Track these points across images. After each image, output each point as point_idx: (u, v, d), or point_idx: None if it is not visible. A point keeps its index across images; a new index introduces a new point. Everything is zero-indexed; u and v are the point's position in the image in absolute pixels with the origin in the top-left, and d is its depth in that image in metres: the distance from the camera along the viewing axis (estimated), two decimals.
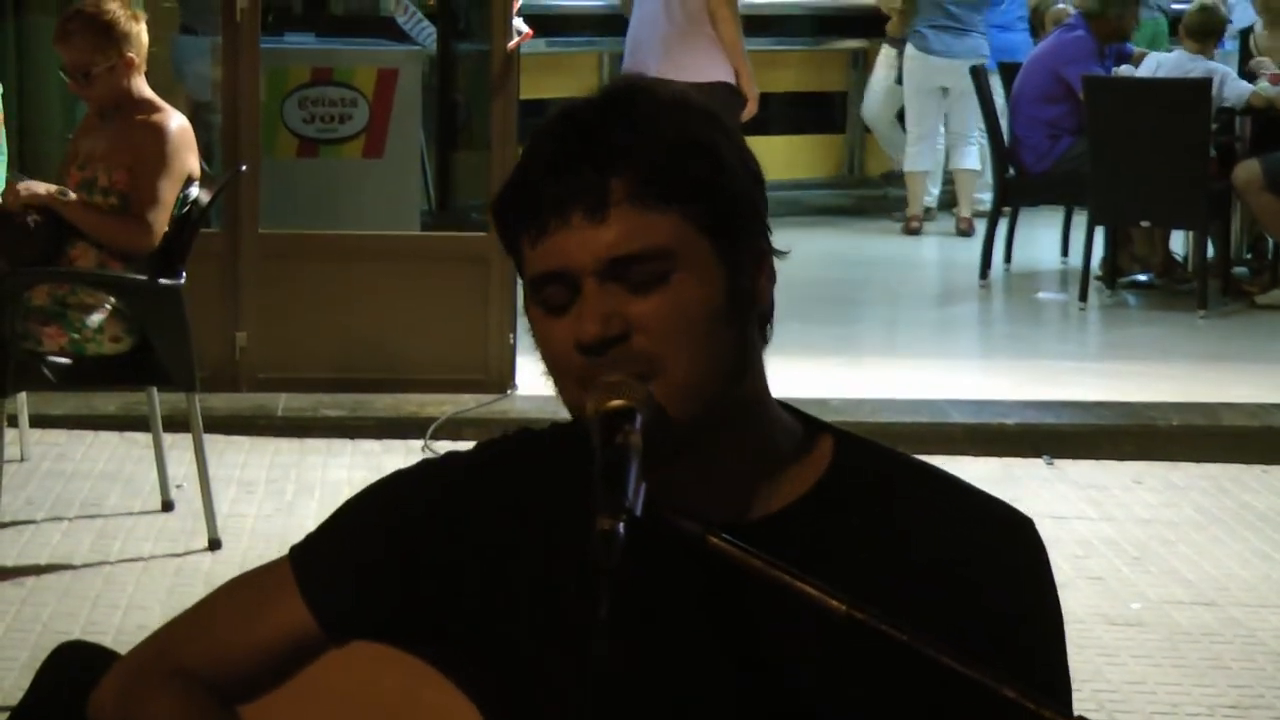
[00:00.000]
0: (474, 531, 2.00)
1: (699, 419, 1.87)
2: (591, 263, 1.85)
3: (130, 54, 5.82)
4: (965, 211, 11.96)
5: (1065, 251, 11.15)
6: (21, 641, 5.11)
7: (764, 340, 1.94)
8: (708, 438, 1.89)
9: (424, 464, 2.09)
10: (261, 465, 6.76)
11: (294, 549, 2.07)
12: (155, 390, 6.08)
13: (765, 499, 1.94)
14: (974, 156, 11.78)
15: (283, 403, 7.24)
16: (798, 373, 7.27)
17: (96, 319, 5.76)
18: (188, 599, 5.36)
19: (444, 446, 6.98)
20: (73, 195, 5.78)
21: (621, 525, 1.71)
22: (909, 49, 11.84)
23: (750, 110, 8.45)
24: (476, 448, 2.08)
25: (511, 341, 7.48)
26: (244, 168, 6.80)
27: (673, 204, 1.85)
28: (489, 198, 7.51)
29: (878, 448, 2.01)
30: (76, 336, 5.74)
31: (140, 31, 5.86)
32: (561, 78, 11.28)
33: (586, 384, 1.85)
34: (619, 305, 1.85)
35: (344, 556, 2.04)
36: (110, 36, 5.79)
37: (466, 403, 7.26)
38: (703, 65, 8.33)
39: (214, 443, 6.15)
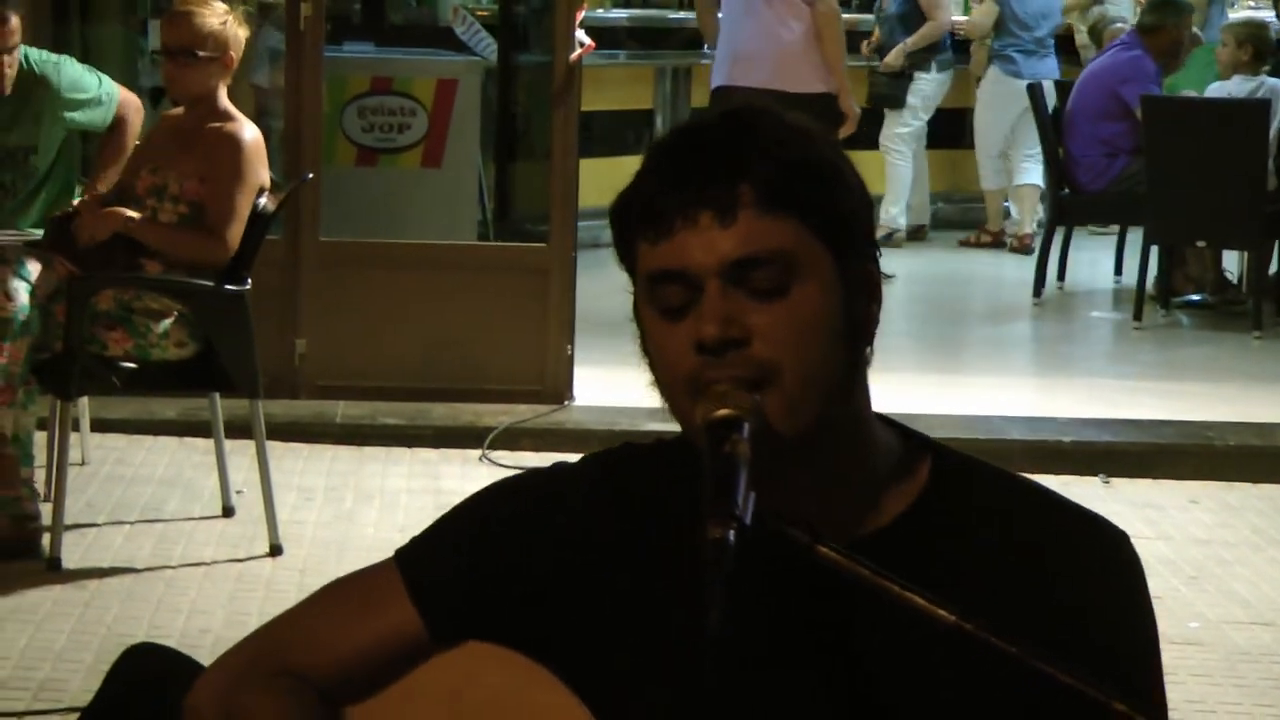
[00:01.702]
0: (581, 540, 2.02)
1: (806, 433, 1.89)
2: (716, 264, 1.87)
3: (231, 53, 5.88)
4: (1027, 228, 12.01)
5: (1119, 270, 11.16)
6: (86, 645, 5.14)
7: (866, 361, 1.96)
8: (813, 453, 1.91)
9: (532, 473, 2.13)
10: (320, 472, 6.79)
11: (400, 552, 2.09)
12: (217, 396, 6.11)
13: (866, 516, 1.96)
14: (1038, 173, 11.82)
15: (341, 410, 7.27)
16: None
17: (162, 325, 5.79)
18: (249, 604, 5.46)
19: (502, 457, 7.02)
20: (135, 215, 5.81)
21: (732, 533, 1.72)
22: (993, 72, 11.96)
23: (849, 128, 8.51)
24: (584, 460, 2.11)
25: (569, 353, 7.52)
26: (310, 176, 6.83)
27: (796, 213, 1.88)
28: (548, 209, 7.67)
29: (974, 462, 2.03)
30: (142, 341, 5.77)
31: (242, 40, 5.94)
32: (614, 90, 11.31)
33: (697, 390, 1.87)
34: (739, 312, 1.86)
35: (452, 561, 2.05)
36: (223, 30, 5.87)
37: (524, 413, 7.28)
38: (809, 79, 8.42)
39: (272, 449, 6.16)
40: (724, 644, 1.73)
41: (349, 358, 7.43)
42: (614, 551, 2.01)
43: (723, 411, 1.84)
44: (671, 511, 1.98)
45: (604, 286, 8.09)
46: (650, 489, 2.04)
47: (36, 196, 6.34)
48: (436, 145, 8.52)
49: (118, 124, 6.39)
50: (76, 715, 2.26)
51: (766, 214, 1.87)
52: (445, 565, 2.05)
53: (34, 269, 5.78)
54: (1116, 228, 11.33)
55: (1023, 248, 11.86)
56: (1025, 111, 11.25)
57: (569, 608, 2.02)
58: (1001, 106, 11.94)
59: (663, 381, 1.94)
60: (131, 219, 5.79)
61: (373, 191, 8.40)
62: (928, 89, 12.02)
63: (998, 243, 12.32)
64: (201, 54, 5.85)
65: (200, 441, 6.73)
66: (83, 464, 6.61)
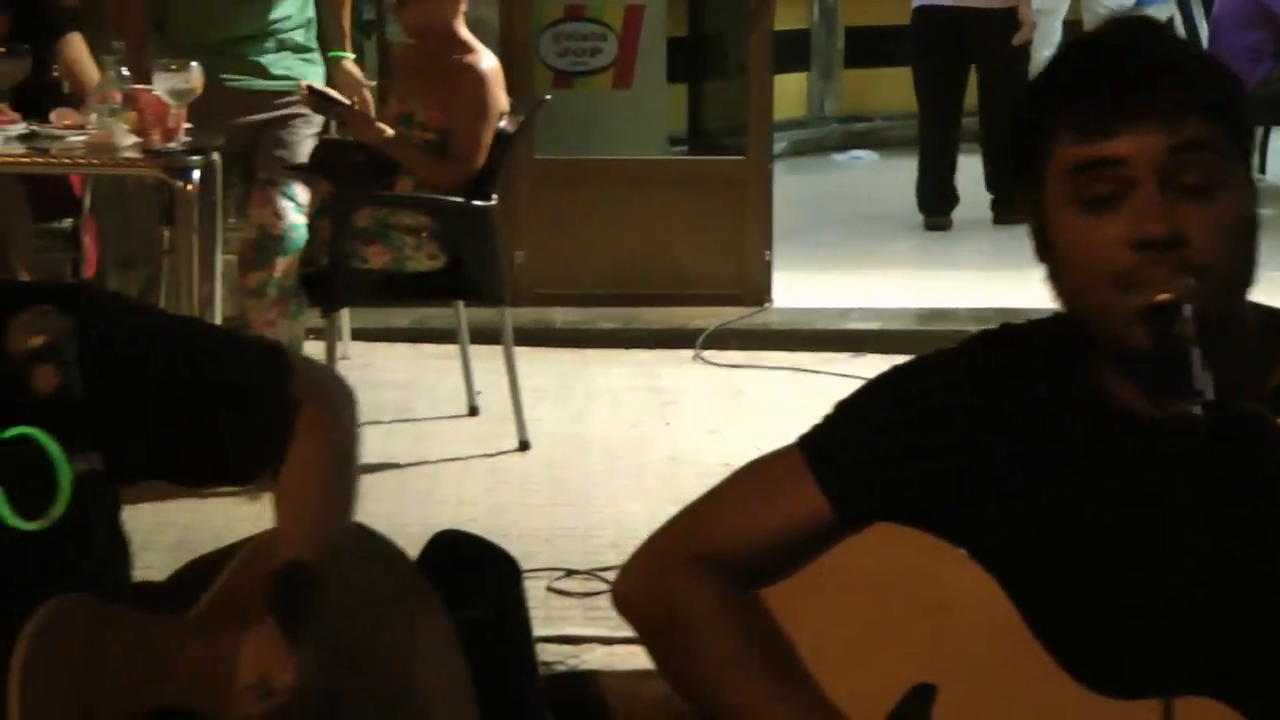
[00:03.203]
0: (976, 417, 2.12)
1: (1225, 325, 2.00)
2: (1156, 160, 1.97)
3: None
4: None
5: (1263, 170, 11.45)
6: None
7: None
8: (1225, 340, 2.01)
9: (923, 359, 2.23)
10: (546, 374, 7.28)
11: (803, 439, 2.20)
12: (461, 304, 6.62)
13: (1253, 386, 2.05)
14: None
15: (560, 316, 7.78)
16: None
17: (415, 238, 6.30)
18: (507, 495, 5.97)
19: (713, 355, 7.51)
20: (390, 132, 6.30)
21: (1198, 409, 1.83)
22: None
23: (1024, 35, 9.10)
24: (966, 342, 2.22)
25: (767, 258, 8.01)
26: (548, 97, 7.32)
27: (1221, 120, 2.01)
28: (737, 123, 8.13)
29: None
30: (398, 254, 6.27)
31: None
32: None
33: (1127, 282, 1.97)
34: (1173, 211, 1.96)
35: (855, 444, 2.15)
36: None
37: (730, 315, 7.77)
38: None
39: (498, 353, 6.64)
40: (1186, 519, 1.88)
41: (563, 267, 7.94)
42: (1009, 426, 2.10)
43: (1164, 295, 1.93)
44: (1061, 385, 2.10)
45: (789, 195, 8.60)
46: (1037, 363, 2.12)
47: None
48: (626, 68, 8.99)
49: None
50: None
51: (1201, 119, 1.97)
52: (848, 449, 2.15)
53: (299, 190, 6.32)
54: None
55: None
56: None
57: (970, 483, 2.10)
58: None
59: (1080, 273, 2.02)
60: (388, 136, 6.29)
61: (569, 112, 8.88)
62: None
63: None
64: None
65: (431, 347, 7.26)
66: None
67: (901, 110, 11.65)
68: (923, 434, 2.12)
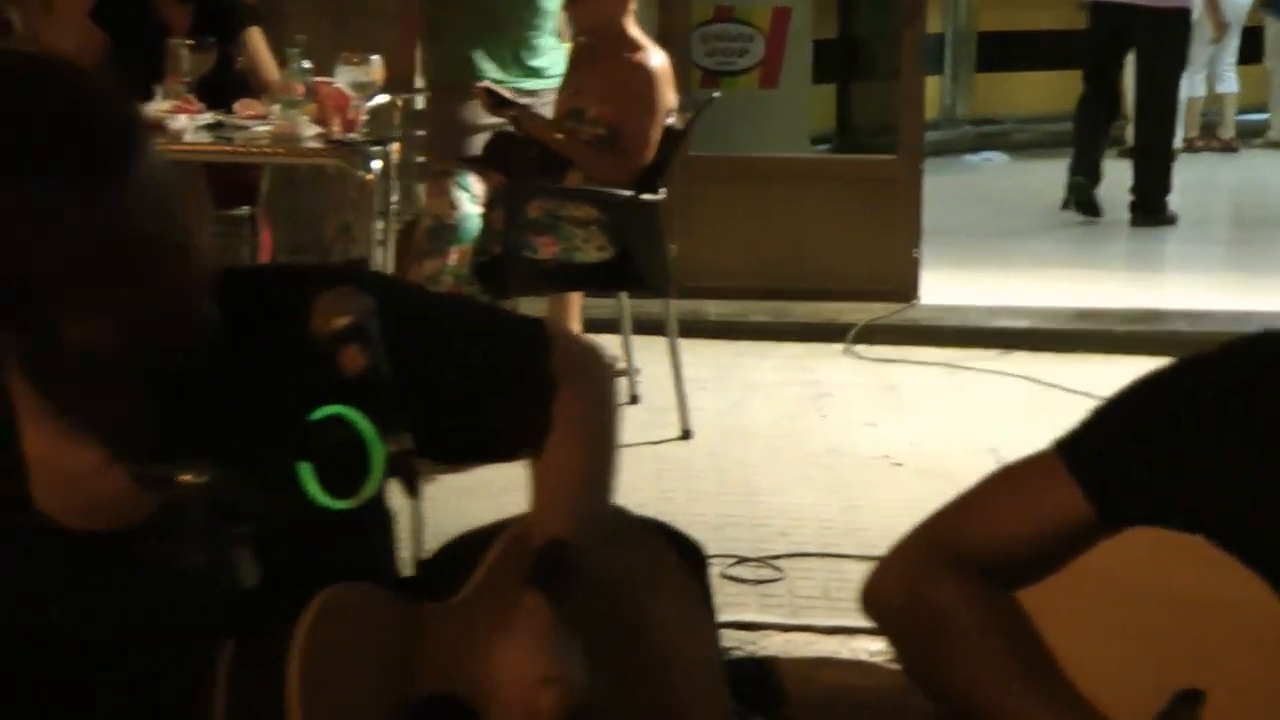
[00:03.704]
0: (1239, 421, 2.09)
1: None
2: None
3: None
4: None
5: None
6: None
7: None
8: None
9: (1186, 364, 2.18)
10: (703, 364, 7.42)
11: (1061, 443, 2.18)
12: (625, 295, 6.79)
13: None
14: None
15: (713, 308, 7.95)
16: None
17: (584, 230, 6.47)
18: (672, 483, 6.11)
19: (863, 350, 7.66)
20: (560, 135, 6.48)
21: None
22: None
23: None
24: (1228, 348, 2.16)
25: (916, 255, 8.15)
26: (716, 95, 7.49)
27: None
28: (888, 124, 8.28)
29: None
30: (567, 245, 6.44)
31: None
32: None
33: None
34: None
35: (1122, 450, 2.13)
36: None
37: (878, 310, 7.91)
38: None
39: (653, 343, 6.73)
40: None
41: (714, 260, 8.11)
42: (1273, 431, 2.08)
43: None
44: None
45: (925, 195, 8.72)
46: None
47: None
48: (772, 68, 9.16)
49: None
50: None
51: None
52: (1113, 453, 2.13)
53: (473, 181, 6.51)
54: None
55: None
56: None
57: (1242, 490, 2.07)
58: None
59: None
60: (557, 136, 6.47)
61: (715, 111, 9.04)
62: None
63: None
64: None
65: (590, 336, 7.40)
66: None
67: (1032, 113, 11.78)
68: (1192, 440, 2.10)
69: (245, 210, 7.30)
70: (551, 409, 2.35)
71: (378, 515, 2.28)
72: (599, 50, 6.58)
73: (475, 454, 2.44)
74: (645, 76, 6.44)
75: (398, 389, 2.06)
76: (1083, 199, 10.31)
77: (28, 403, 2.07)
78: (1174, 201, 10.66)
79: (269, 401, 2.12)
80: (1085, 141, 10.30)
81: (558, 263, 6.44)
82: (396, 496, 2.16)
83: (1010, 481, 2.20)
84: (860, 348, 7.66)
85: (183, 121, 6.42)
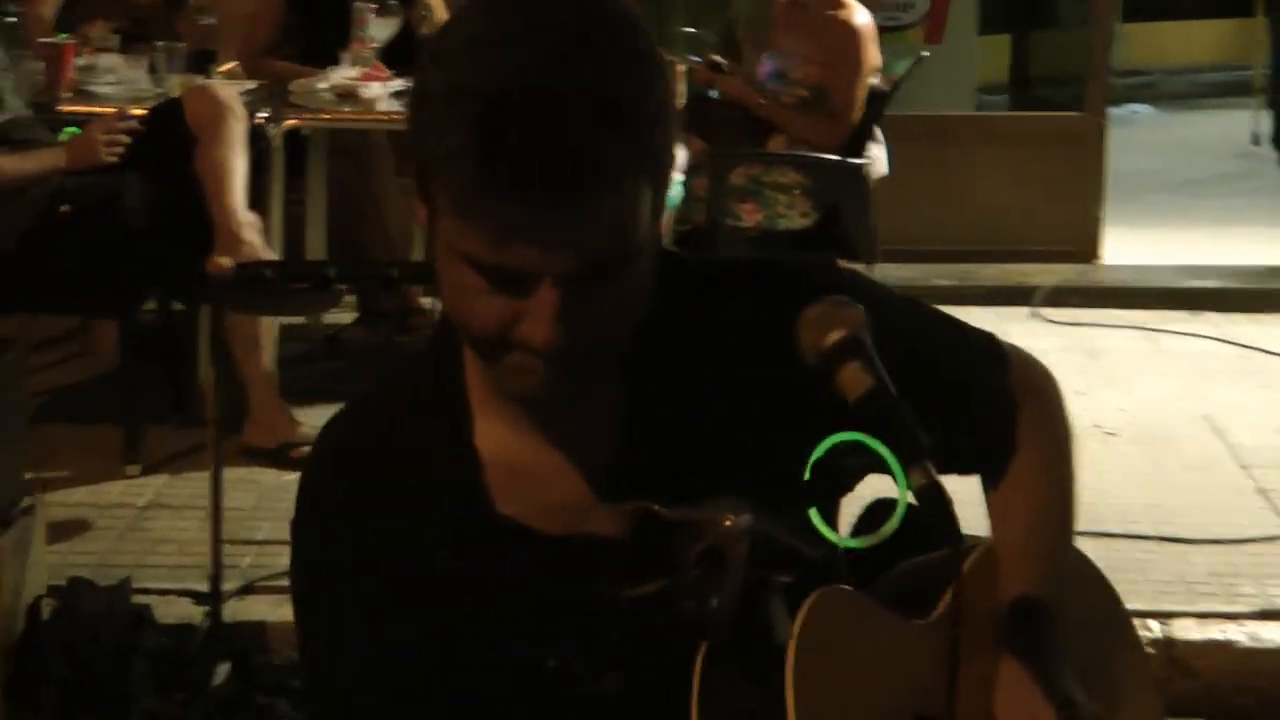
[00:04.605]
0: None
1: None
2: None
3: None
4: None
5: None
6: None
7: None
8: None
9: None
10: None
11: None
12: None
13: None
14: None
15: (894, 272, 7.76)
16: None
17: (788, 196, 6.32)
18: None
19: (1049, 313, 7.48)
20: (764, 101, 6.32)
21: None
22: None
23: None
24: None
25: (1098, 215, 7.96)
26: (925, 54, 7.31)
27: None
28: (1065, 75, 8.09)
29: None
30: (770, 212, 6.31)
31: None
32: None
33: None
34: None
35: None
36: None
37: (1065, 273, 7.74)
38: None
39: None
40: None
41: (894, 223, 7.91)
42: None
43: None
44: None
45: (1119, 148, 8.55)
46: None
47: None
48: (938, 22, 8.94)
49: None
50: None
51: None
52: None
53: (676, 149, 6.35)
54: None
55: None
56: None
57: None
58: None
59: None
60: (760, 101, 6.31)
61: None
62: None
63: None
64: None
65: None
66: None
67: (1179, 63, 11.55)
68: None
69: None
70: (1014, 429, 2.18)
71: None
72: (803, 10, 6.42)
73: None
74: (851, 34, 6.29)
75: (903, 410, 1.85)
76: None
77: (480, 393, 1.92)
78: None
79: (757, 424, 1.96)
80: None
81: (761, 230, 6.30)
82: None
83: None
84: (1046, 311, 7.48)
85: (376, 89, 6.25)
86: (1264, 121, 10.68)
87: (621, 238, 1.77)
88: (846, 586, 1.98)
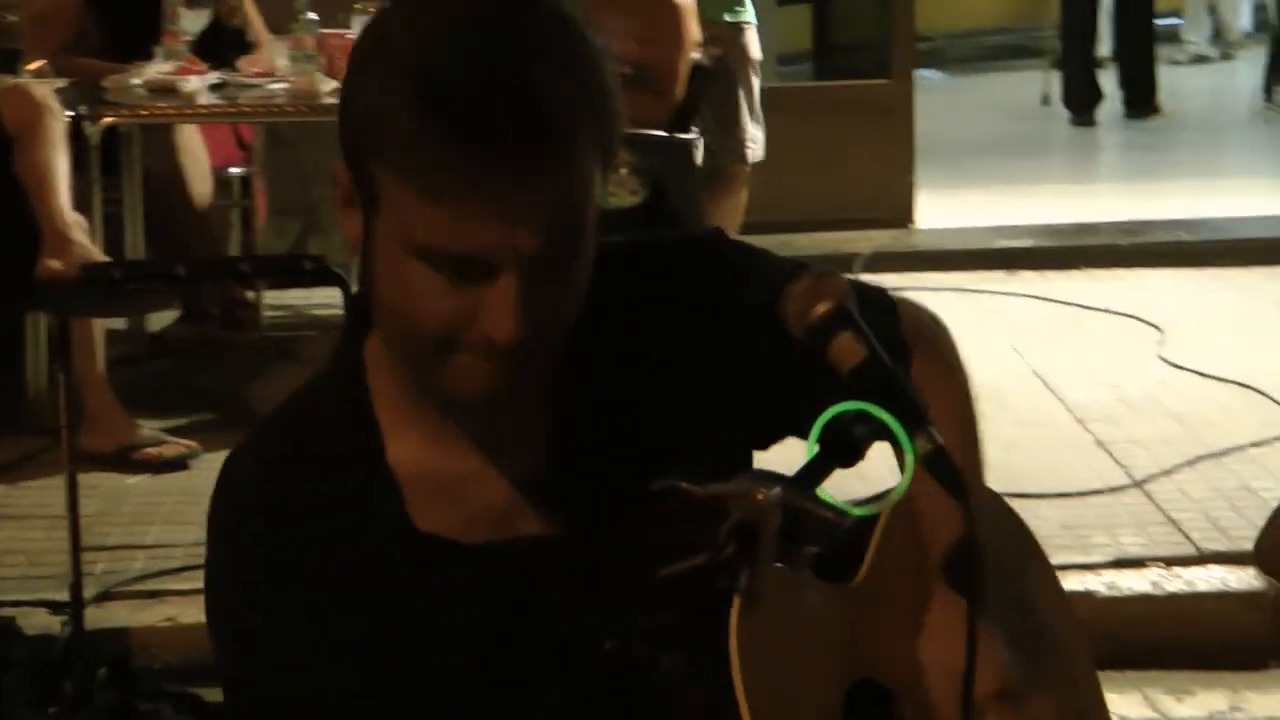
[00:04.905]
0: None
1: None
2: None
3: None
4: None
5: None
6: None
7: None
8: None
9: None
10: None
11: None
12: None
13: None
14: None
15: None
16: None
17: (614, 174, 6.30)
18: None
19: (871, 280, 7.53)
20: None
21: None
22: None
23: None
24: None
25: (910, 180, 8.06)
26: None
27: None
28: (866, 41, 8.16)
29: None
30: (599, 191, 6.26)
31: None
32: None
33: None
34: None
35: None
36: None
37: (880, 239, 7.80)
38: None
39: None
40: None
41: None
42: None
43: None
44: None
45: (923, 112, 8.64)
46: None
47: None
48: None
49: None
50: None
51: None
52: None
53: None
54: None
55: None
56: None
57: None
58: None
59: None
60: None
61: None
62: None
63: None
64: None
65: None
66: None
67: (963, 28, 11.70)
68: None
69: (241, 171, 7.05)
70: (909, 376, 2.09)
71: None
72: None
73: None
74: (671, 10, 6.26)
75: (900, 376, 1.82)
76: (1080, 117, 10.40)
77: (391, 411, 1.87)
78: None
79: (691, 413, 1.95)
80: (1075, 65, 10.43)
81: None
82: None
83: None
84: (866, 278, 7.53)
85: (194, 83, 6.14)
86: (1053, 82, 10.84)
87: (575, 216, 1.81)
88: (779, 566, 1.88)
